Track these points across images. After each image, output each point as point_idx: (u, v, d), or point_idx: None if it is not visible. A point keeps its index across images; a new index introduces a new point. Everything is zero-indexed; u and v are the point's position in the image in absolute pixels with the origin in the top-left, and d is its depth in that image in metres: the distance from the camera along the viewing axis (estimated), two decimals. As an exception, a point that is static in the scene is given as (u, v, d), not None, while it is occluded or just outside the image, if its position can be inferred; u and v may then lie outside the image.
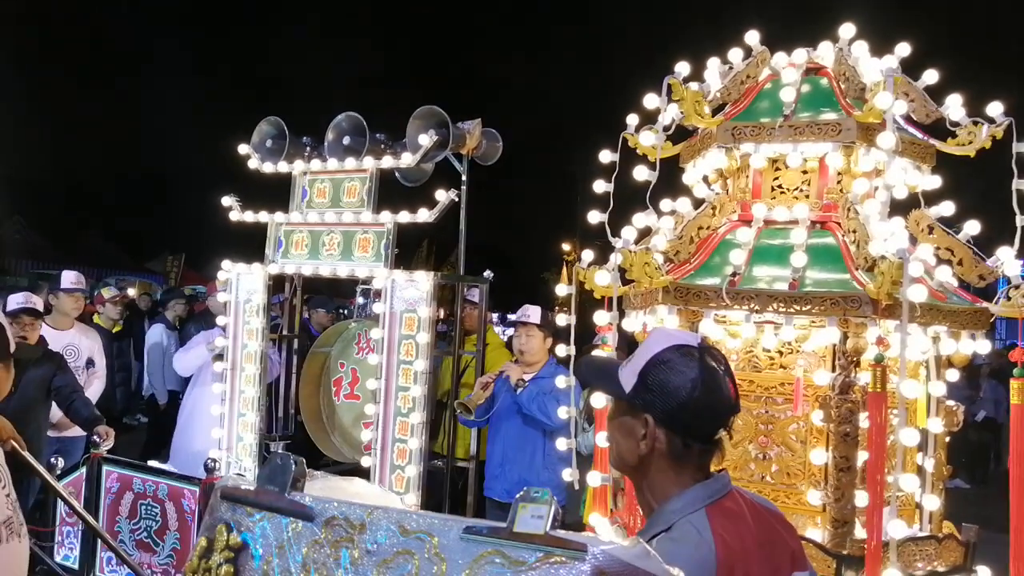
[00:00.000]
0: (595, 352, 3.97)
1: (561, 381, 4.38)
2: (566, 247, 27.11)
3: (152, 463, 5.43)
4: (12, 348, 2.77)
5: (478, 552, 1.38)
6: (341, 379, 6.15)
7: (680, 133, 4.22)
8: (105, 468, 5.07)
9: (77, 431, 6.25)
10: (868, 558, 3.13)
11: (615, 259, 3.67)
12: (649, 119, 4.03)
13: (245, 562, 1.54)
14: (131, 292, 15.37)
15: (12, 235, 22.69)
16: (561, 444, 4.18)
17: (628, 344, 4.55)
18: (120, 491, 4.99)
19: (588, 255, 4.04)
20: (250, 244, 6.58)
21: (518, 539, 1.36)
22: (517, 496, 1.40)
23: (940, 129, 3.98)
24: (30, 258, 21.61)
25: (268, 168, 5.78)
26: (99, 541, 4.94)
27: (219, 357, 6.60)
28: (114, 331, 9.44)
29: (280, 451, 2.71)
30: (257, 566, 1.53)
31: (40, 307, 5.96)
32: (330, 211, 5.51)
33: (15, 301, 5.78)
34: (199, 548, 1.61)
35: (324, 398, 6.23)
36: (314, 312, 9.25)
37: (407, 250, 7.44)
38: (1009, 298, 3.55)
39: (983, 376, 12.31)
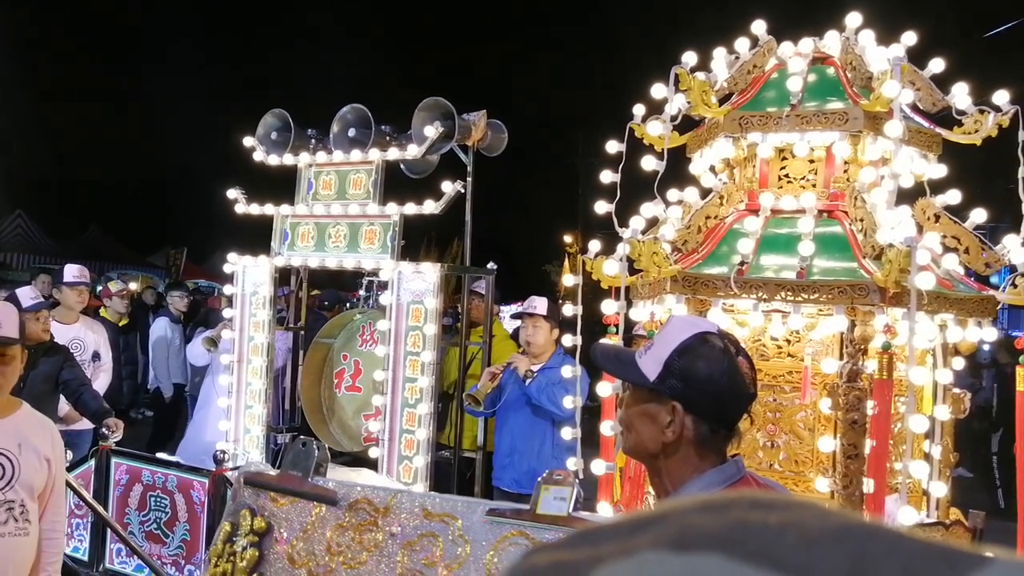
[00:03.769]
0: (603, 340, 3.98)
1: (567, 371, 4.39)
2: (568, 239, 27.04)
3: (161, 455, 5.45)
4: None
5: (502, 533, 1.40)
6: (343, 371, 6.14)
7: (687, 123, 4.23)
8: (114, 460, 5.10)
9: (85, 424, 6.26)
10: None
11: (623, 249, 3.69)
12: (656, 109, 4.04)
13: (270, 545, 1.56)
14: (133, 286, 15.38)
15: (13, 230, 22.64)
16: (566, 433, 4.19)
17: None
18: (129, 483, 5.01)
19: (595, 245, 4.05)
20: (251, 237, 6.58)
21: (541, 520, 1.38)
22: (540, 479, 1.41)
23: (946, 118, 3.99)
24: (31, 253, 21.59)
25: (273, 160, 5.78)
26: (108, 533, 4.96)
27: (212, 343, 6.62)
28: (120, 325, 9.44)
29: (302, 438, 2.73)
30: (282, 549, 1.55)
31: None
32: (336, 203, 5.51)
33: (28, 296, 5.75)
34: (223, 532, 1.63)
35: (325, 390, 6.21)
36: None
37: (413, 242, 7.42)
38: (1015, 285, 3.56)
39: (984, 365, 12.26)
